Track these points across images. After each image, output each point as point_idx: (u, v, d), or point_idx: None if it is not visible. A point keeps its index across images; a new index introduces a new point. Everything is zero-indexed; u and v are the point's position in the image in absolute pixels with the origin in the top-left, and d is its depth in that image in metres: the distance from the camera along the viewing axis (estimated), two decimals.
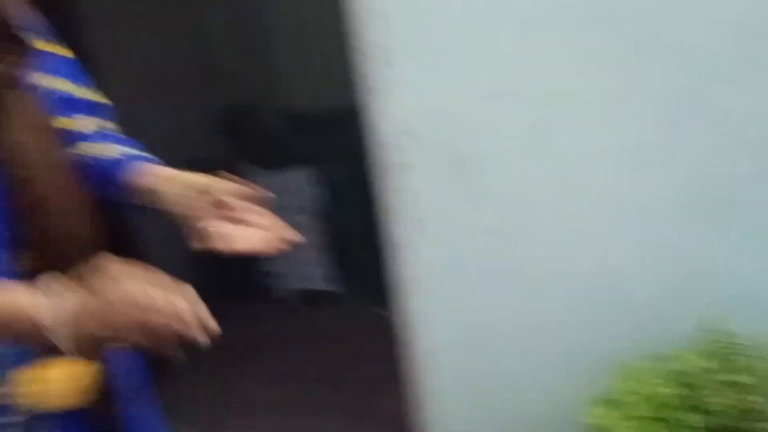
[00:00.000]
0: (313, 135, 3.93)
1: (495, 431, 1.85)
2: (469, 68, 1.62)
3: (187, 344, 0.75)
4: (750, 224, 1.62)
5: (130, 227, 2.43)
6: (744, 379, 1.43)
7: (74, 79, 1.08)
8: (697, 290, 1.66)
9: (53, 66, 1.04)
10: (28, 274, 0.85)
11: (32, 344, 0.82)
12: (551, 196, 1.67)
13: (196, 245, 0.90)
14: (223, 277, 3.89)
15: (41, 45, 1.03)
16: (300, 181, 3.59)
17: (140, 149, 1.10)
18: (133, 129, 1.19)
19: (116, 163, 1.05)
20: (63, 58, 1.08)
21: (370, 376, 3.08)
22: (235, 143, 4.08)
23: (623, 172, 1.63)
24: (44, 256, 0.89)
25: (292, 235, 0.91)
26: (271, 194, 0.94)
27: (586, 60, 1.58)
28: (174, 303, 0.73)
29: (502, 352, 1.81)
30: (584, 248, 1.69)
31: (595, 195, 1.66)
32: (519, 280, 1.74)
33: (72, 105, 1.06)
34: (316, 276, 3.71)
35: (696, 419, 1.43)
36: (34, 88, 0.97)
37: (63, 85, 1.04)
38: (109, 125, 1.13)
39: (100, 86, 1.14)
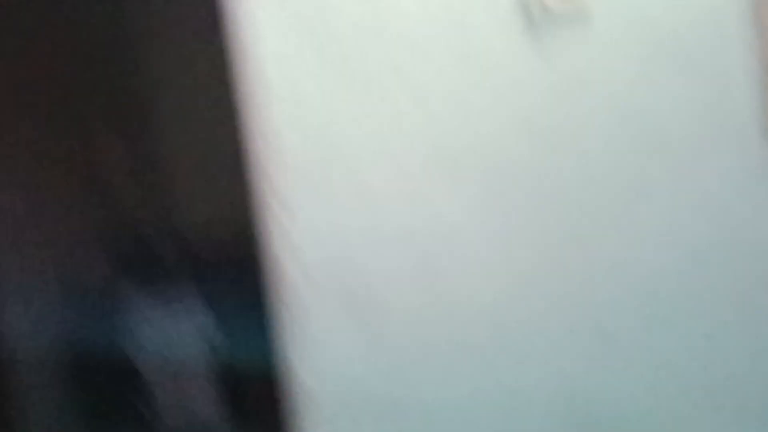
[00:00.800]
0: (208, 265, 3.80)
1: None
2: (362, 211, 1.66)
3: None
4: (630, 358, 1.71)
5: None
6: None
7: None
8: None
9: None
10: None
11: None
12: (444, 337, 1.70)
13: None
14: (99, 402, 3.59)
15: None
16: (191, 309, 3.46)
17: None
18: None
19: None
20: None
21: None
22: (118, 266, 3.89)
23: (515, 311, 1.69)
24: None
25: None
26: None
27: (476, 204, 1.65)
28: None
29: None
30: (487, 387, 1.71)
31: (492, 329, 1.70)
32: (416, 420, 1.72)
33: None
34: (205, 409, 3.51)
35: None
36: None
37: None
38: None
39: None
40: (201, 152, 3.82)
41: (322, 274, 1.66)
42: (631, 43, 1.74)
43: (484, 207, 1.67)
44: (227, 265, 3.74)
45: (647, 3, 1.75)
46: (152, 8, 2.41)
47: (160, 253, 4.40)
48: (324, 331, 1.68)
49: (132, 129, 3.77)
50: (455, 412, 1.72)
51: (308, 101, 1.63)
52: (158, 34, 2.47)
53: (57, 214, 3.76)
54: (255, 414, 3.86)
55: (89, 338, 3.56)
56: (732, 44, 1.80)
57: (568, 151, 1.68)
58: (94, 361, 3.63)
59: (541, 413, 1.71)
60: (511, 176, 1.66)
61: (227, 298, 3.59)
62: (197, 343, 3.60)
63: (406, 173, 1.65)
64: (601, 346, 1.69)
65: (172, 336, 3.53)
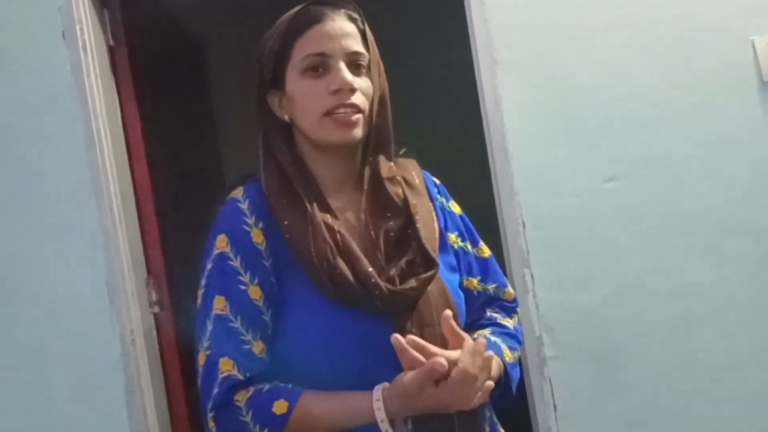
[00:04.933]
0: None
1: None
2: (602, 266, 1.77)
3: None
4: None
5: None
6: None
7: (463, 237, 1.15)
8: None
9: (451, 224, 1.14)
10: None
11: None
12: (689, 389, 1.74)
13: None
14: None
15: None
16: None
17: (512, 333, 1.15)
18: None
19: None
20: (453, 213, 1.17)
21: None
22: None
23: (763, 368, 1.70)
24: None
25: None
26: None
27: (722, 262, 1.72)
28: None
29: None
30: None
31: (734, 388, 1.73)
32: None
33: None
34: None
35: None
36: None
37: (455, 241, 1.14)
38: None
39: None
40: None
41: (566, 327, 1.79)
42: None
43: (736, 271, 1.74)
44: None
45: None
46: None
47: None
48: (568, 380, 1.79)
49: None
50: None
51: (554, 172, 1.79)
52: None
53: None
54: None
55: None
56: None
57: None
58: None
59: None
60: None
61: None
62: None
63: (649, 232, 1.75)
64: None
65: None
